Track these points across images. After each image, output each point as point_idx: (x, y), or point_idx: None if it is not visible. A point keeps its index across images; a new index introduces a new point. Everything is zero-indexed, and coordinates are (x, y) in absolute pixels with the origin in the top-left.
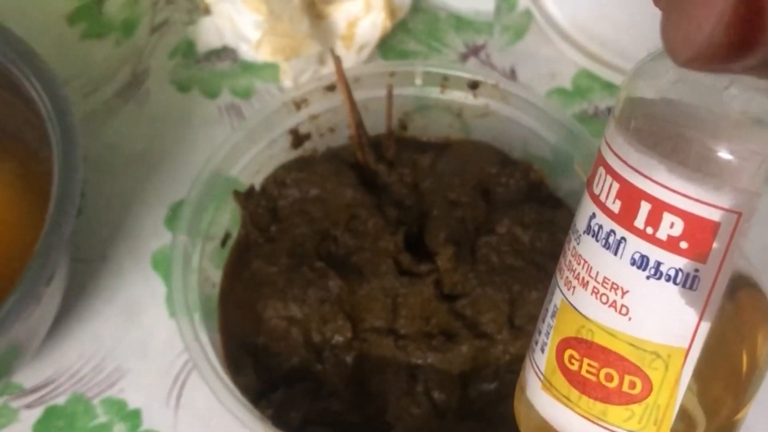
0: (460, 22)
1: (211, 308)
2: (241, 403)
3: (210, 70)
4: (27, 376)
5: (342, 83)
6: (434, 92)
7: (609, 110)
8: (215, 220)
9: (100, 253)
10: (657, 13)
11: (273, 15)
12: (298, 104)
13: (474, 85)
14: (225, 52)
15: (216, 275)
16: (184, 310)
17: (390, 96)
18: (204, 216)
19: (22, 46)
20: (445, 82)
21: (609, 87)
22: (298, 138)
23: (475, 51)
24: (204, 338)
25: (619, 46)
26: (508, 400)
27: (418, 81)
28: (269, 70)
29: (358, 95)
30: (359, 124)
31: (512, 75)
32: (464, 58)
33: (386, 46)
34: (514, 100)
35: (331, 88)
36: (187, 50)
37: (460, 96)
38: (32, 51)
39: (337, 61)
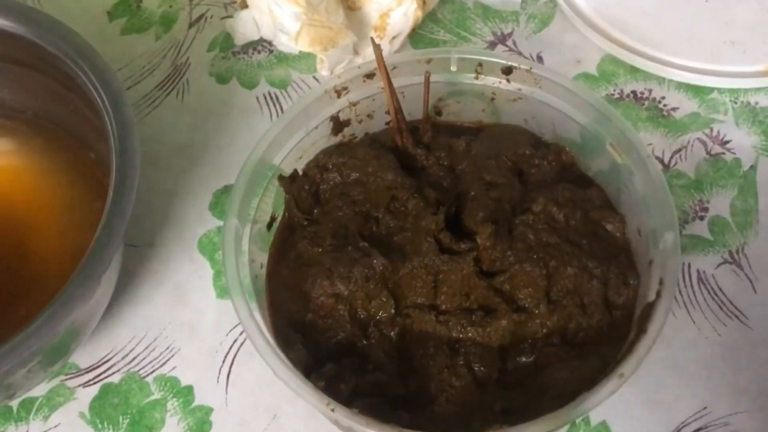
0: (487, 12)
1: (259, 288)
2: (296, 375)
3: (247, 61)
4: (83, 357)
5: (382, 71)
6: (469, 78)
7: (633, 93)
8: (260, 206)
9: (149, 239)
10: (677, 2)
11: (311, 7)
12: (339, 92)
13: (508, 71)
14: (261, 44)
15: (262, 257)
16: (238, 289)
17: (428, 82)
18: (251, 201)
19: (77, 39)
20: (479, 68)
21: (633, 71)
22: (338, 124)
23: (502, 39)
24: (256, 315)
25: (642, 32)
26: (546, 372)
27: (454, 67)
28: (304, 60)
29: (397, 82)
30: (398, 110)
31: (539, 61)
32: (492, 46)
33: (416, 35)
34: (545, 84)
35: (369, 76)
36: (225, 43)
37: (494, 81)
38: (86, 44)
39: (378, 49)
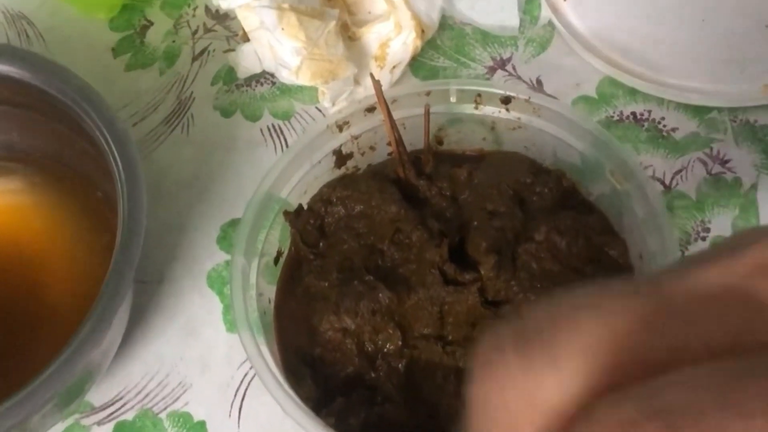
0: (486, 37)
1: (267, 323)
2: (305, 412)
3: (250, 94)
4: (96, 395)
5: (382, 105)
6: (468, 108)
7: (633, 115)
8: (268, 239)
9: (158, 274)
10: (675, 21)
11: (310, 41)
12: (341, 126)
13: (506, 101)
14: (264, 76)
15: (269, 290)
16: (245, 325)
17: (428, 114)
18: (258, 235)
19: (79, 83)
20: (478, 98)
21: (632, 93)
22: (341, 158)
23: (501, 64)
24: (265, 351)
25: (640, 53)
26: None
27: (453, 98)
28: (307, 91)
29: (396, 114)
30: (399, 142)
31: (538, 85)
32: (491, 71)
33: (417, 63)
34: (544, 112)
35: (370, 109)
36: (228, 76)
37: (493, 111)
38: (88, 87)
39: (377, 84)
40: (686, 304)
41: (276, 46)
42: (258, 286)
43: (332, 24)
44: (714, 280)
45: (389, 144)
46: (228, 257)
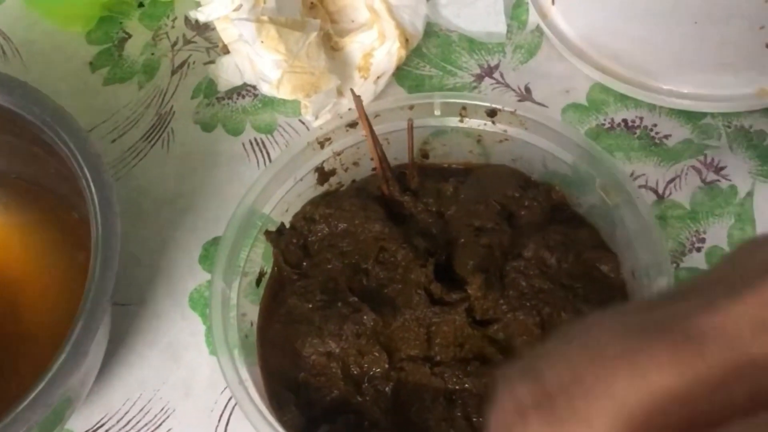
0: (473, 44)
1: (250, 345)
2: None
3: (232, 107)
4: (78, 422)
5: (364, 121)
6: (453, 121)
7: (624, 122)
8: (250, 257)
9: (139, 296)
10: (666, 24)
11: (291, 53)
12: (322, 143)
13: (492, 113)
14: (245, 89)
15: (253, 311)
16: (225, 353)
17: (411, 130)
18: (240, 253)
19: (51, 105)
20: (463, 111)
21: (623, 99)
22: (323, 175)
23: (489, 71)
24: (245, 376)
25: (631, 58)
26: None
27: (437, 112)
28: (290, 104)
29: (380, 129)
30: (382, 159)
31: (527, 92)
32: (479, 79)
33: (402, 72)
34: (531, 125)
35: (352, 125)
36: (209, 89)
37: (479, 123)
38: (61, 110)
39: (358, 100)
40: (724, 353)
41: (256, 59)
42: (241, 306)
43: (313, 35)
44: (745, 324)
45: (373, 159)
46: (210, 277)
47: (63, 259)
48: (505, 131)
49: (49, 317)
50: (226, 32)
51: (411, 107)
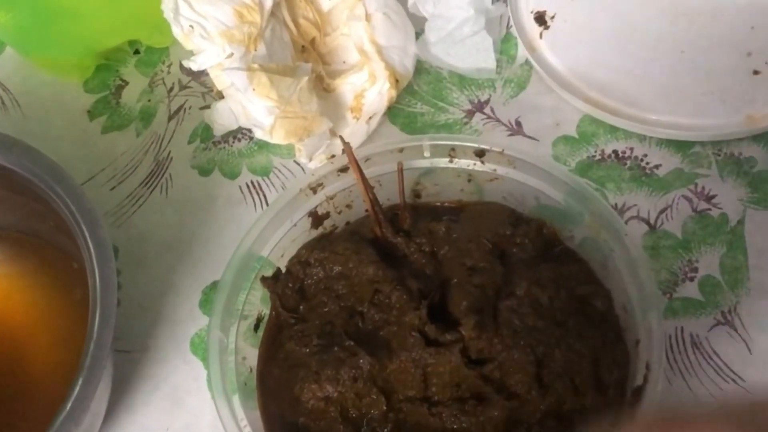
0: (463, 81)
1: (250, 389)
2: None
3: (228, 150)
4: None
5: (354, 167)
6: (443, 162)
7: (615, 153)
8: (249, 300)
9: (141, 342)
10: (653, 54)
11: (283, 99)
12: (315, 188)
13: (481, 153)
14: (241, 132)
15: (252, 354)
16: (222, 398)
17: (401, 173)
18: (238, 298)
19: (47, 162)
20: (452, 152)
21: (613, 130)
22: (317, 218)
23: (480, 107)
24: (244, 422)
25: (619, 90)
26: None
27: (427, 153)
28: (285, 145)
29: (371, 172)
30: (374, 203)
31: (518, 126)
32: (470, 114)
33: (394, 110)
34: (519, 164)
35: (344, 169)
36: (205, 133)
37: (468, 164)
38: (57, 166)
39: (348, 147)
40: None
41: (248, 106)
42: (240, 350)
43: (305, 80)
44: None
45: (365, 202)
46: None
47: (66, 311)
48: (495, 170)
49: (54, 368)
50: (219, 79)
51: (401, 150)
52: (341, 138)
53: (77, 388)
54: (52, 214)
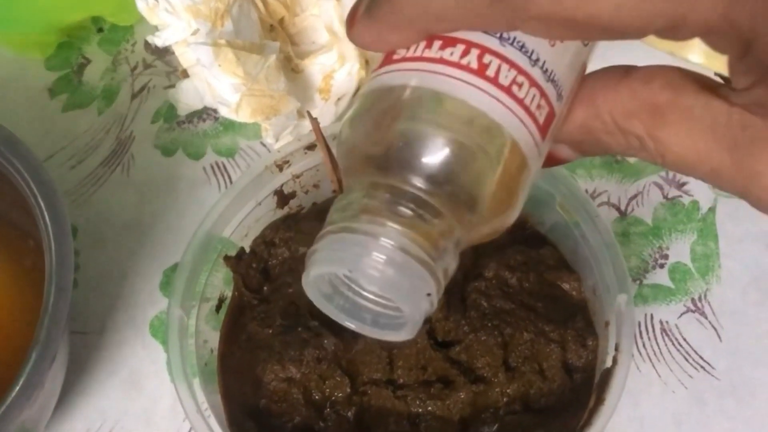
0: None
1: (211, 372)
2: None
3: (192, 131)
4: None
5: (321, 144)
6: None
7: None
8: (210, 281)
9: (99, 324)
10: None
11: (249, 77)
12: (281, 166)
13: None
14: (206, 112)
15: (213, 337)
16: (182, 380)
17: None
18: (199, 279)
19: (4, 133)
20: None
21: None
22: (283, 197)
23: None
24: (205, 405)
25: None
26: None
27: None
28: (251, 127)
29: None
30: (341, 182)
31: None
32: None
33: None
34: None
35: (311, 147)
36: (169, 113)
37: None
38: (14, 137)
39: (315, 123)
40: None
41: (214, 83)
42: (202, 332)
43: (272, 59)
44: None
45: (332, 181)
46: None
47: (22, 290)
48: None
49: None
50: (185, 56)
51: None
52: (308, 113)
53: (31, 362)
54: (9, 187)
